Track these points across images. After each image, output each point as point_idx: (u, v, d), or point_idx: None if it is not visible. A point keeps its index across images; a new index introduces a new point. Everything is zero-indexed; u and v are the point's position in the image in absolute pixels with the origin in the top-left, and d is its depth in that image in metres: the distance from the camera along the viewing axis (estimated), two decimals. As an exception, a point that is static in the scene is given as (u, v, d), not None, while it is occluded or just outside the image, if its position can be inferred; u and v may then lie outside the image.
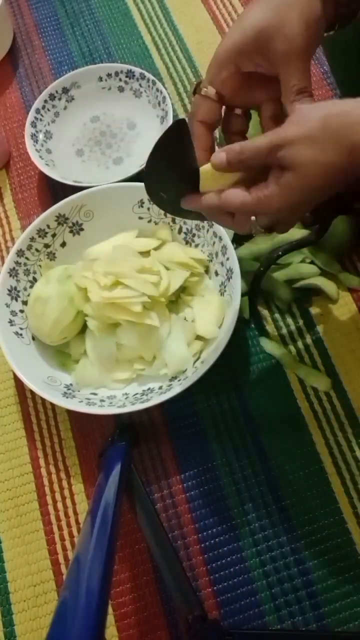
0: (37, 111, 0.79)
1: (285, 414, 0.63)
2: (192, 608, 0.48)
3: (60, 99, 0.80)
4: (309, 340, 0.66)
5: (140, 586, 0.57)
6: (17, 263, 0.64)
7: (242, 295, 0.63)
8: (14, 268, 0.64)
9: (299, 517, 0.58)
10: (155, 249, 0.66)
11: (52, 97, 0.80)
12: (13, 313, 0.63)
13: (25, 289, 0.65)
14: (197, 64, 0.85)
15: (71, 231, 0.68)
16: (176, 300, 0.65)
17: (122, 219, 0.68)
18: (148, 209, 0.68)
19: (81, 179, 0.73)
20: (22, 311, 0.64)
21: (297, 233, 0.65)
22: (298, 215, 0.43)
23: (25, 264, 0.65)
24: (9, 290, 0.63)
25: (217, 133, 0.50)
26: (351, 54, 0.63)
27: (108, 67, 0.80)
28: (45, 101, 0.79)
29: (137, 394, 0.61)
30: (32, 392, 0.64)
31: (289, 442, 0.61)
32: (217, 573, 0.57)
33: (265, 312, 0.68)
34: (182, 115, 0.82)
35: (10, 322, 0.62)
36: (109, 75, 0.80)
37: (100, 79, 0.81)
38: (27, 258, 0.65)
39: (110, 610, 0.56)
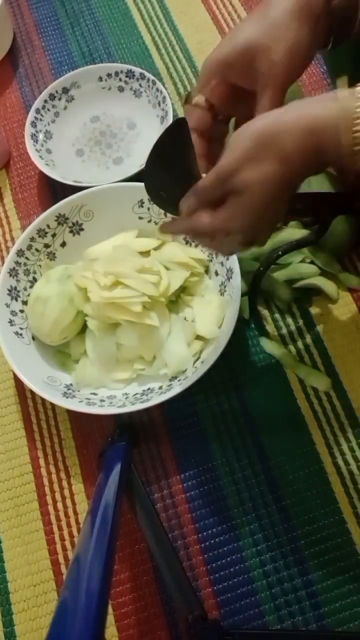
0: (37, 111, 0.79)
1: (285, 414, 0.63)
2: (192, 608, 0.48)
3: (60, 99, 0.80)
4: (309, 340, 0.66)
5: (140, 586, 0.57)
6: (17, 263, 0.64)
7: (242, 295, 0.63)
8: (14, 268, 0.64)
9: (299, 517, 0.58)
10: (155, 249, 0.67)
11: (52, 97, 0.80)
12: (13, 313, 0.63)
13: (25, 289, 0.65)
14: (197, 64, 0.85)
15: (71, 231, 0.68)
16: (176, 300, 0.65)
17: (122, 219, 0.68)
18: (148, 209, 0.68)
19: (81, 179, 0.73)
20: (22, 311, 0.64)
21: (297, 233, 0.65)
22: (268, 229, 0.44)
23: (25, 264, 0.65)
24: (9, 290, 0.63)
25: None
26: (350, 67, 0.63)
27: (108, 67, 0.80)
28: (45, 101, 0.79)
29: (137, 394, 0.61)
30: (32, 392, 0.64)
31: (289, 442, 0.61)
32: (217, 573, 0.57)
33: (265, 312, 0.68)
34: (182, 115, 0.82)
35: (10, 322, 0.62)
36: (109, 75, 0.80)
37: (100, 79, 0.81)
38: (27, 258, 0.65)
39: (110, 610, 0.56)
